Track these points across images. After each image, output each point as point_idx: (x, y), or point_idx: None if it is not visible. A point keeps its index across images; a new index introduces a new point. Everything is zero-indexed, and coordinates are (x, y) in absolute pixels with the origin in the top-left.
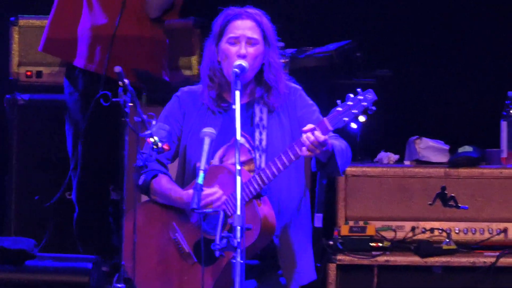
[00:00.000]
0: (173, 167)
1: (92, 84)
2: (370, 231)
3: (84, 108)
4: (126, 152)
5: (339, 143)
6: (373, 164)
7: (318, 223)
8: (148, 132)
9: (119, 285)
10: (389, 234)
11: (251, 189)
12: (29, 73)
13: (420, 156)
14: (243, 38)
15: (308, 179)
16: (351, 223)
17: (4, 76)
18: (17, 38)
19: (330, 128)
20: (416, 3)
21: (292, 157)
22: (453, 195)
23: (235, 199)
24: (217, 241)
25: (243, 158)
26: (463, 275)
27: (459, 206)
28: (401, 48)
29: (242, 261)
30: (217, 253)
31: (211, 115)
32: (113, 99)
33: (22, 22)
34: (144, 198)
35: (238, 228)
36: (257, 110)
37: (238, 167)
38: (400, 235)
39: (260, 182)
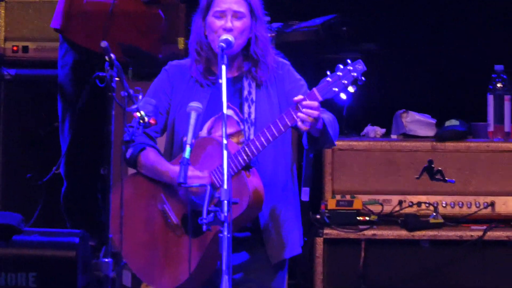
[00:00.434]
0: (163, 140)
1: (84, 59)
2: (357, 205)
3: (75, 82)
4: (113, 127)
5: (327, 116)
6: (360, 138)
7: (305, 197)
8: (135, 106)
9: (106, 259)
10: (376, 208)
11: (240, 160)
12: (15, 48)
13: (407, 130)
14: (229, 12)
15: (295, 154)
16: (338, 197)
17: None
18: (3, 13)
19: (320, 98)
20: None
21: (282, 127)
22: (440, 168)
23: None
24: (204, 216)
25: (231, 130)
26: (450, 249)
27: (446, 179)
28: (387, 22)
29: (229, 235)
30: (204, 227)
31: (200, 88)
32: (100, 74)
33: None
34: (131, 173)
35: (225, 202)
36: (245, 84)
37: (225, 141)
38: (387, 209)
39: (249, 153)
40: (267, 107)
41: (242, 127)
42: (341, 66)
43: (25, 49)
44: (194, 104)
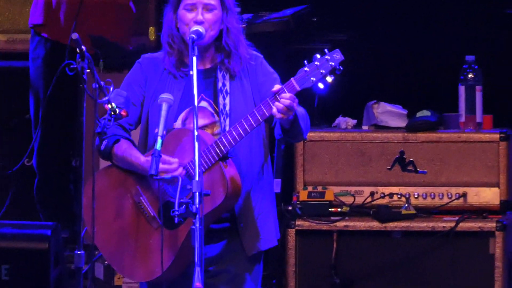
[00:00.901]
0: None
1: (55, 52)
2: (328, 196)
3: (46, 75)
4: (84, 119)
5: (300, 110)
6: (331, 129)
7: (277, 188)
8: (106, 98)
9: (78, 252)
10: (348, 199)
11: (218, 150)
12: None
13: (378, 121)
14: (200, 5)
15: (268, 146)
16: (309, 188)
17: None
18: None
19: (298, 88)
20: None
21: (259, 117)
22: (411, 159)
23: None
24: (176, 207)
25: (206, 121)
26: (422, 240)
27: (418, 170)
28: (358, 12)
29: (201, 227)
30: (176, 219)
31: (173, 80)
32: (71, 66)
33: None
34: (103, 164)
35: (197, 194)
36: (219, 75)
37: (196, 133)
38: (359, 200)
39: (226, 144)
40: (242, 98)
41: (217, 118)
42: (318, 56)
43: None
44: (165, 95)
